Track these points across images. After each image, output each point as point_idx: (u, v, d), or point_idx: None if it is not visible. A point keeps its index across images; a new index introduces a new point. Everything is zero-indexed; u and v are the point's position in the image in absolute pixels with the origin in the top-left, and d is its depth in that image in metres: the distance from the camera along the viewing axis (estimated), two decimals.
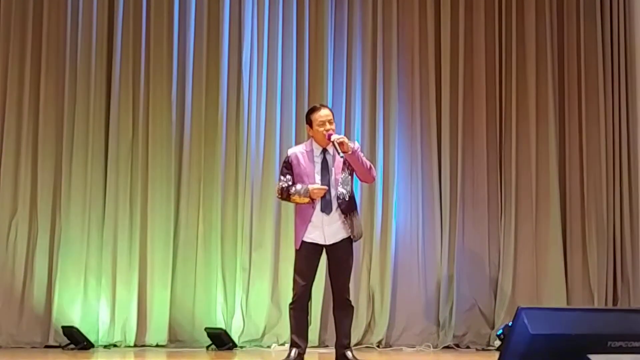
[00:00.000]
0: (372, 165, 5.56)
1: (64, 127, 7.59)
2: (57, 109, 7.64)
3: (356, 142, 5.62)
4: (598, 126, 7.89)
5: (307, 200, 5.42)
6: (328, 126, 5.45)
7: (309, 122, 5.56)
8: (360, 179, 5.60)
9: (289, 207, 7.38)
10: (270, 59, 7.85)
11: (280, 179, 5.58)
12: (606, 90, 7.93)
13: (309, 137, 5.69)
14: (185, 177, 7.67)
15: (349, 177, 5.51)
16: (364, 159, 5.50)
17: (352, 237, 5.49)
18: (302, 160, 5.52)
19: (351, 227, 5.47)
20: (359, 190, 7.33)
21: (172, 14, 7.79)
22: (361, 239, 5.93)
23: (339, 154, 5.32)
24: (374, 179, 5.68)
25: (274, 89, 7.81)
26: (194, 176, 7.68)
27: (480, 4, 8.04)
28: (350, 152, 5.37)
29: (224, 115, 7.71)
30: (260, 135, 7.75)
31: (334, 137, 5.38)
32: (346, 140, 5.38)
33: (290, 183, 5.50)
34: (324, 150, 5.52)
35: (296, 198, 5.46)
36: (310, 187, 5.40)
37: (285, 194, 5.51)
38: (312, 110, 5.61)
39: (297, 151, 5.61)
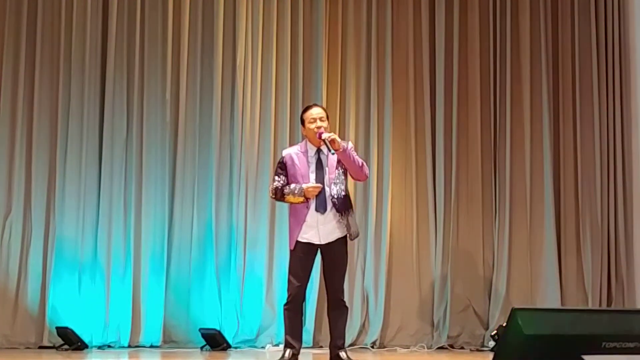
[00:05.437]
0: (364, 163, 5.57)
1: (58, 126, 7.58)
2: (52, 108, 7.63)
3: (350, 142, 5.62)
4: (592, 128, 7.90)
5: (301, 199, 5.42)
6: (319, 123, 5.47)
7: (302, 122, 5.58)
8: (352, 177, 5.60)
9: (283, 208, 7.37)
10: (265, 59, 7.85)
11: (274, 179, 5.59)
12: (600, 93, 7.94)
13: (303, 137, 5.70)
14: (179, 177, 7.67)
15: (343, 175, 5.52)
16: (356, 156, 5.51)
17: (349, 235, 5.49)
18: (296, 161, 5.52)
19: (347, 226, 5.47)
20: (353, 191, 7.33)
21: (167, 13, 7.79)
22: (356, 239, 5.92)
23: (329, 151, 5.34)
24: (366, 177, 5.68)
25: (268, 89, 7.82)
26: (188, 176, 7.68)
27: (475, 6, 8.05)
28: (341, 150, 5.38)
29: (218, 115, 7.72)
30: (254, 136, 7.75)
31: (325, 135, 5.39)
32: (337, 138, 5.39)
33: (284, 183, 5.50)
34: (318, 150, 5.53)
35: (290, 198, 5.46)
36: (305, 185, 5.40)
37: (279, 194, 5.51)
38: (305, 109, 5.66)
39: (291, 152, 5.62)
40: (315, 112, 5.55)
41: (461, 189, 7.86)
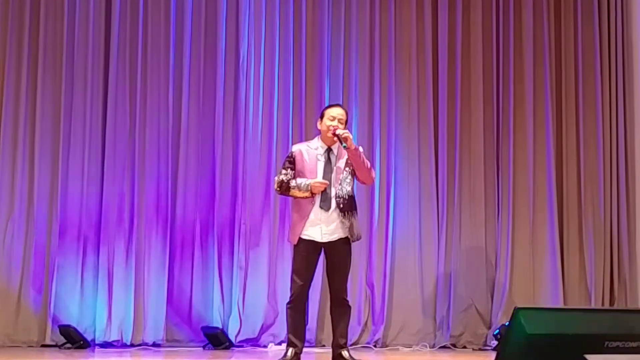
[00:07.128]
0: (372, 167, 5.60)
1: (61, 126, 7.58)
2: (54, 108, 7.63)
3: (360, 147, 5.64)
4: (595, 125, 7.89)
5: (307, 194, 5.42)
6: (336, 122, 5.49)
7: (322, 116, 5.61)
8: (359, 180, 5.61)
9: (286, 207, 7.38)
10: (267, 58, 7.85)
11: (280, 172, 5.58)
12: (603, 90, 7.93)
13: (317, 133, 5.71)
14: (182, 176, 7.66)
15: (350, 176, 5.53)
16: (365, 159, 5.54)
17: (349, 237, 5.49)
18: (306, 157, 5.54)
19: (350, 228, 5.47)
20: (357, 190, 7.32)
21: (169, 13, 7.78)
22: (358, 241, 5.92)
23: (341, 144, 5.36)
24: (373, 181, 5.72)
25: (271, 88, 7.81)
26: (190, 175, 7.68)
27: (478, 3, 8.04)
28: (352, 148, 5.39)
29: (220, 114, 7.71)
30: (257, 134, 7.75)
31: (339, 131, 5.43)
32: (351, 136, 5.41)
33: (290, 177, 5.50)
34: (329, 149, 5.54)
35: (295, 192, 5.46)
36: (311, 181, 5.41)
37: (284, 187, 5.51)
38: (329, 106, 5.75)
39: (302, 148, 5.63)
40: (337, 111, 5.59)
41: (464, 188, 7.86)
